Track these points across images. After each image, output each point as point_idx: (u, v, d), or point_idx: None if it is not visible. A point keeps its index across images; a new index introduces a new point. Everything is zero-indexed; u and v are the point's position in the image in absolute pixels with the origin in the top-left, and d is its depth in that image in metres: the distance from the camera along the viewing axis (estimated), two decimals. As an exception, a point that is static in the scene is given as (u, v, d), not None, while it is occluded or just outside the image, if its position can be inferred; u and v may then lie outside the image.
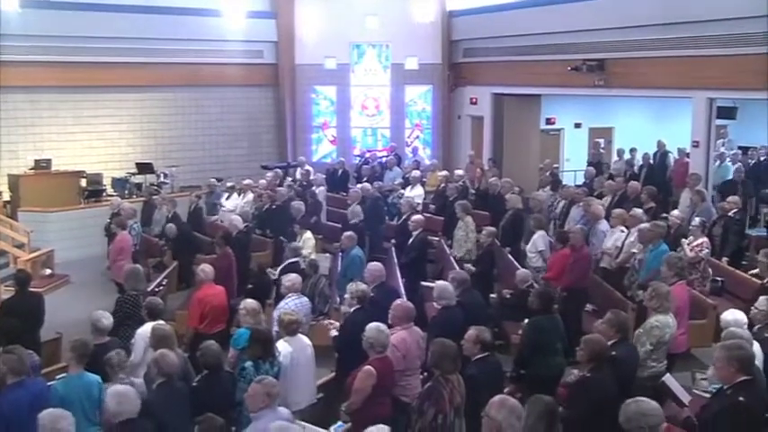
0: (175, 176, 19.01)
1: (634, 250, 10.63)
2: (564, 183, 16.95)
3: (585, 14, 16.64)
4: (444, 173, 17.35)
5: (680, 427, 6.15)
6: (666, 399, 6.96)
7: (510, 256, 12.37)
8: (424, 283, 11.16)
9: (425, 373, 7.09)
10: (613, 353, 6.63)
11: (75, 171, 17.76)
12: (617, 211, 11.90)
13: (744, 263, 11.93)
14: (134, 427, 5.54)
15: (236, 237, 12.15)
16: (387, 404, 6.63)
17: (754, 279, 10.13)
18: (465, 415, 5.99)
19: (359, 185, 15.94)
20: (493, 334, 7.01)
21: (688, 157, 16.57)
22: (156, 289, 11.35)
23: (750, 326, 7.24)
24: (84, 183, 17.56)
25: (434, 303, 8.23)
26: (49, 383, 6.67)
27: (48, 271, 14.71)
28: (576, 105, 21.30)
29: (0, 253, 15.15)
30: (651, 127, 20.43)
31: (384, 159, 19.76)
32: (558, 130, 21.88)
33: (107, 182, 18.17)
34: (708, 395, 6.61)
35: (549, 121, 21.43)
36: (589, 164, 18.71)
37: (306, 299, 9.00)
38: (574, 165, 20.90)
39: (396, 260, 12.32)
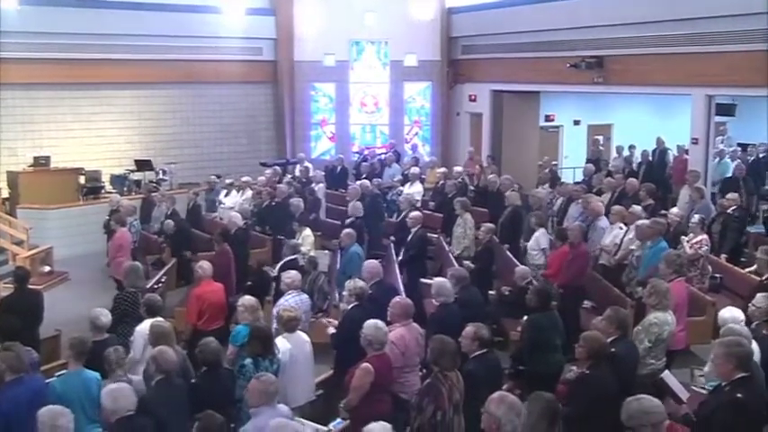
0: (174, 173, 18.99)
1: (632, 247, 10.64)
2: (562, 180, 16.96)
3: (584, 11, 16.64)
4: (443, 170, 17.35)
5: (678, 423, 6.16)
6: (665, 395, 6.96)
7: (509, 253, 12.37)
8: (423, 280, 11.16)
9: (424, 370, 7.10)
10: (613, 350, 6.65)
11: (73, 168, 17.75)
12: (616, 207, 11.90)
13: (743, 260, 11.95)
14: (132, 424, 5.54)
15: (235, 234, 12.14)
16: (386, 401, 6.63)
17: (752, 276, 10.13)
18: (464, 411, 6.00)
19: (358, 182, 15.93)
20: (491, 331, 7.02)
21: (687, 154, 16.59)
22: (155, 286, 11.35)
23: (748, 323, 7.25)
24: (82, 180, 17.58)
25: (433, 300, 8.23)
26: (47, 381, 6.68)
27: (47, 268, 14.70)
28: (574, 102, 21.33)
29: (-1, 250, 15.17)
30: (650, 124, 20.43)
31: (383, 156, 19.74)
32: (557, 127, 21.90)
33: (106, 179, 18.16)
34: (704, 391, 6.63)
35: (547, 118, 21.45)
36: (588, 161, 18.73)
37: (305, 296, 9.00)
38: (573, 162, 20.94)
39: (395, 257, 12.33)
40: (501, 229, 12.83)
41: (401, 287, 10.57)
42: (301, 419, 6.46)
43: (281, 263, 10.87)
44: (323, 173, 17.87)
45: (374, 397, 6.49)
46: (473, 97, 21.49)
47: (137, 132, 20.22)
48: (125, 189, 17.89)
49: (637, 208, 11.66)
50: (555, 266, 10.64)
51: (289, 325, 7.39)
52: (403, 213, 13.33)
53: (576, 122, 21.95)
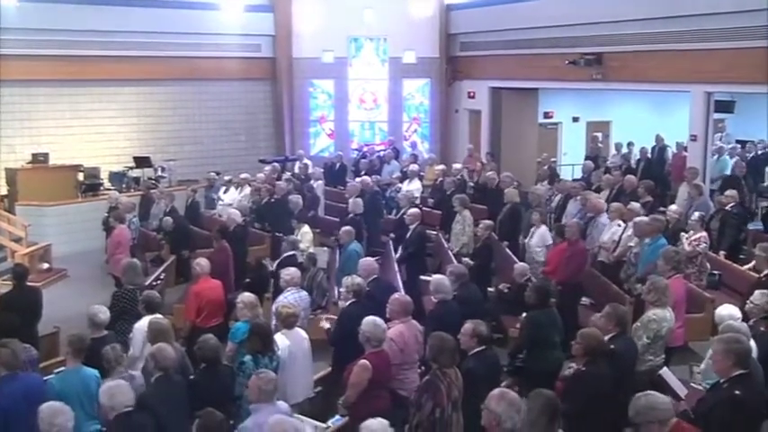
0: (173, 170, 19.00)
1: (631, 244, 10.64)
2: (561, 177, 16.96)
3: (583, 8, 16.63)
4: (442, 167, 17.35)
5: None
6: (664, 392, 6.96)
7: (508, 250, 12.38)
8: (422, 277, 11.17)
9: (423, 367, 7.10)
10: (612, 346, 6.65)
11: (72, 165, 17.71)
12: (615, 204, 11.90)
13: (741, 256, 11.96)
14: (131, 421, 5.54)
15: (234, 231, 12.14)
16: (384, 398, 6.64)
17: (751, 273, 10.14)
18: (463, 409, 6.00)
19: (358, 179, 15.92)
20: (490, 328, 7.02)
21: (686, 150, 16.59)
22: (154, 283, 11.36)
23: (745, 320, 7.24)
24: (81, 177, 17.54)
25: (432, 297, 8.23)
26: (46, 378, 6.68)
27: (45, 265, 14.69)
28: (573, 99, 21.32)
29: (-3, 247, 15.17)
30: (649, 121, 20.44)
31: (382, 153, 19.74)
32: (556, 123, 21.89)
33: (104, 176, 18.14)
34: (701, 388, 6.64)
35: (546, 115, 21.44)
36: (587, 158, 18.73)
37: (305, 293, 8.99)
38: (571, 158, 20.94)
39: (394, 254, 12.33)
40: (500, 226, 12.83)
41: (400, 284, 10.57)
42: (300, 416, 6.47)
43: (280, 259, 10.87)
44: (322, 170, 17.86)
45: (372, 394, 6.49)
46: (472, 94, 21.49)
47: (135, 129, 20.21)
48: (124, 186, 17.88)
49: (635, 205, 11.67)
50: (554, 263, 10.64)
51: (287, 321, 7.40)
52: (402, 210, 13.33)
53: (575, 119, 21.94)
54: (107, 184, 17.99)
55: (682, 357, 8.56)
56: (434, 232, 13.95)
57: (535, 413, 4.79)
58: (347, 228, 11.46)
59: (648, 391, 5.03)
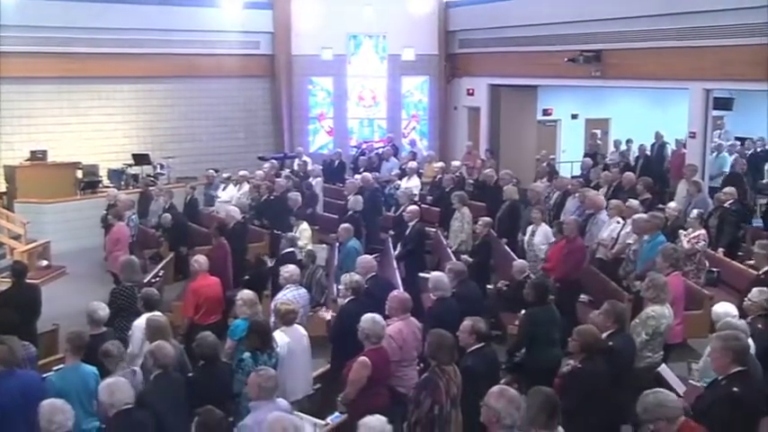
0: (172, 167, 19.00)
1: (629, 241, 10.64)
2: (560, 174, 16.96)
3: (582, 5, 16.64)
4: (441, 164, 17.35)
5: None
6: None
7: (507, 247, 12.38)
8: (420, 275, 11.17)
9: (422, 364, 7.10)
10: (610, 343, 6.65)
11: (71, 162, 17.71)
12: (614, 202, 11.90)
13: (740, 254, 11.96)
14: (130, 418, 5.55)
15: (233, 228, 12.13)
16: (383, 395, 6.65)
17: (750, 270, 10.14)
18: (461, 406, 6.01)
19: (358, 176, 15.91)
20: (489, 325, 7.02)
21: (685, 148, 16.59)
22: (153, 280, 11.34)
23: (743, 318, 7.24)
24: (80, 174, 17.54)
25: (430, 295, 8.24)
26: (45, 375, 6.68)
27: (44, 262, 14.70)
28: (572, 96, 21.32)
29: (-4, 245, 15.16)
30: (648, 118, 20.43)
31: (381, 150, 19.75)
32: (555, 121, 21.91)
33: (103, 173, 18.15)
34: (699, 384, 6.64)
35: (545, 113, 21.46)
36: (586, 155, 18.74)
37: (304, 290, 9.00)
38: (570, 156, 20.94)
39: (392, 251, 12.33)
40: (499, 223, 12.83)
41: (399, 281, 10.57)
42: (299, 413, 6.47)
43: (279, 256, 10.88)
44: (320, 167, 17.85)
45: (371, 391, 6.50)
46: (471, 91, 21.49)
47: (134, 126, 20.20)
48: (122, 183, 17.89)
49: (634, 202, 11.67)
50: (554, 260, 10.65)
51: (286, 318, 7.40)
52: (402, 208, 13.33)
53: (574, 116, 21.95)
54: (106, 181, 17.99)
55: (680, 354, 8.57)
56: (433, 229, 13.94)
57: (534, 410, 4.79)
58: (346, 225, 11.46)
59: (657, 389, 5.02)
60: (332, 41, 21.71)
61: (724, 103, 16.32)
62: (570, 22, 17.07)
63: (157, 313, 7.57)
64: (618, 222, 11.30)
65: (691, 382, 7.20)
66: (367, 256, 9.73)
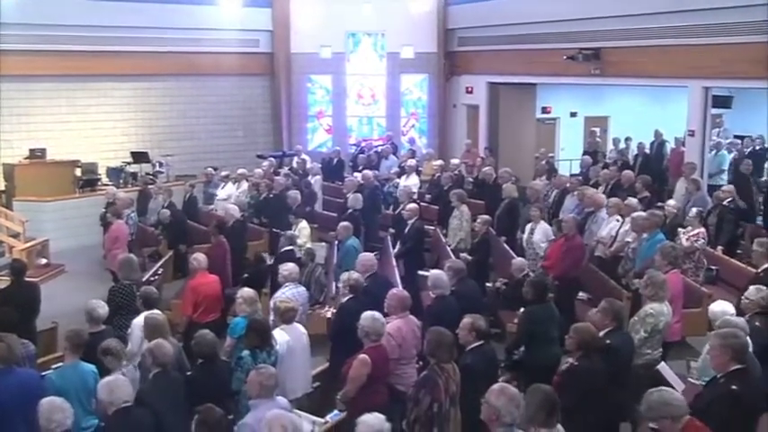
0: (171, 166, 19.00)
1: (628, 239, 10.64)
2: (559, 172, 16.97)
3: (581, 3, 16.62)
4: (440, 162, 17.34)
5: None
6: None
7: (506, 245, 12.38)
8: (420, 273, 11.17)
9: (421, 362, 7.11)
10: (608, 341, 6.66)
11: (70, 160, 17.69)
12: (613, 200, 11.89)
13: (738, 252, 11.97)
14: (130, 416, 5.55)
15: (232, 226, 12.13)
16: (382, 393, 6.65)
17: (748, 268, 10.15)
18: (461, 403, 6.01)
19: (358, 174, 15.89)
20: (488, 323, 7.02)
21: (684, 146, 16.59)
22: (152, 278, 11.34)
23: (740, 316, 7.24)
24: (79, 172, 17.53)
25: (430, 293, 8.24)
26: (44, 373, 6.68)
27: (43, 260, 14.70)
28: (571, 94, 21.33)
29: (-5, 243, 15.16)
30: (647, 116, 20.43)
31: (380, 148, 19.73)
32: (554, 119, 21.92)
33: (102, 171, 18.14)
34: (698, 382, 6.64)
35: (544, 110, 21.46)
36: (585, 153, 18.74)
37: (303, 288, 9.01)
38: (569, 154, 20.94)
39: (392, 249, 12.33)
40: (498, 221, 12.83)
41: (398, 279, 10.57)
42: (299, 411, 6.48)
43: (278, 254, 10.87)
44: (319, 165, 17.84)
45: (371, 388, 6.51)
46: (470, 89, 21.48)
47: (133, 124, 20.19)
48: (121, 181, 17.88)
49: (633, 200, 11.67)
50: (553, 258, 10.65)
51: (286, 316, 7.40)
52: (401, 206, 13.32)
53: (573, 114, 21.95)
54: (105, 179, 17.98)
55: (679, 352, 8.57)
56: (432, 227, 13.94)
57: (533, 408, 4.79)
58: (345, 223, 11.46)
59: (662, 387, 5.01)
60: (331, 39, 21.71)
61: (723, 101, 16.35)
62: (569, 19, 17.06)
63: (156, 311, 7.57)
64: (617, 220, 11.31)
65: (689, 380, 7.21)
66: (367, 254, 9.72)
